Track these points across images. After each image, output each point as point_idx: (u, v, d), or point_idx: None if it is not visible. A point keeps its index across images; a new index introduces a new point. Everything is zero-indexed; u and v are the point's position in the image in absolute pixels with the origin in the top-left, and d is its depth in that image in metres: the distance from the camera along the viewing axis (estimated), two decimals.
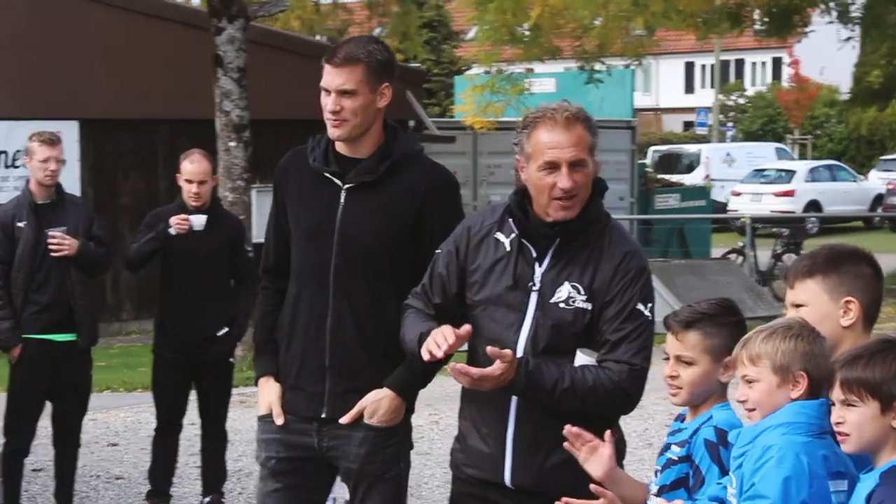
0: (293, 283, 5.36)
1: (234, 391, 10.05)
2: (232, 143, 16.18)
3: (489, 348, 4.43)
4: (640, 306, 4.55)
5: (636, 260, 4.65)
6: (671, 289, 18.08)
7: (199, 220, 8.91)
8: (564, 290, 4.59)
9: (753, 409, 3.90)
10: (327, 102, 5.11)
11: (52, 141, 8.75)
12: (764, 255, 23.46)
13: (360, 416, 5.19)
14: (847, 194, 38.03)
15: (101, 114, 19.52)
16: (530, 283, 4.62)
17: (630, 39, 22.38)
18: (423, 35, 31.14)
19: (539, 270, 4.63)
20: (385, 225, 5.15)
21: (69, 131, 19.36)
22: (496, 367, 4.41)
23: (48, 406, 8.99)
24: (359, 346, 5.19)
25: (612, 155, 24.38)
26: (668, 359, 4.27)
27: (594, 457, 4.28)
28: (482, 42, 20.83)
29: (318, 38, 28.41)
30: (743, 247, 23.14)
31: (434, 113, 35.49)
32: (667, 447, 4.30)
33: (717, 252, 25.40)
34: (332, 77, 5.11)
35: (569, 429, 4.28)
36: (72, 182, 18.96)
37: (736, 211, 32.59)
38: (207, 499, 9.35)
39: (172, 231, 8.87)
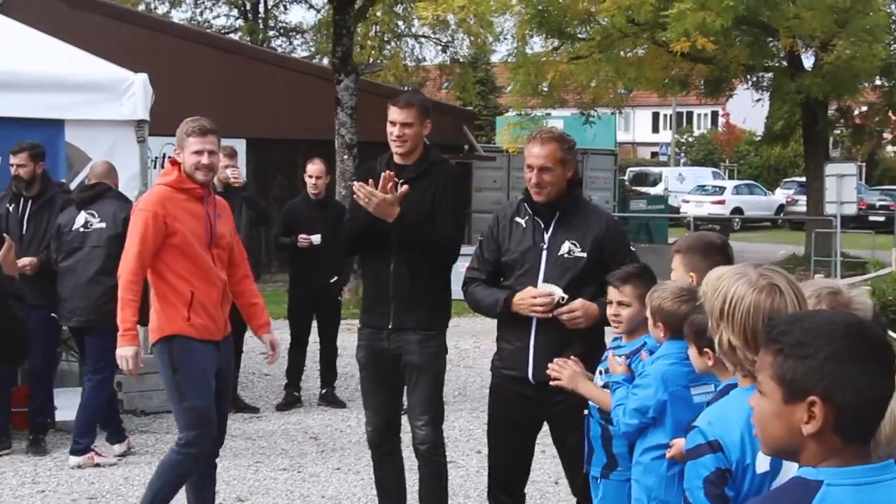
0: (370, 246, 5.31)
1: (343, 322, 10.08)
2: (345, 157, 16.24)
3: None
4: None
5: (614, 221, 4.91)
6: None
7: (316, 239, 8.99)
8: (565, 246, 4.64)
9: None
10: (393, 131, 5.16)
11: (230, 154, 8.58)
12: None
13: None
14: (760, 203, 37.52)
15: (262, 134, 19.60)
16: (541, 244, 4.68)
17: (614, 96, 22.47)
18: (476, 88, 31.14)
19: (546, 236, 4.69)
20: (422, 206, 5.13)
21: (240, 146, 19.43)
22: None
23: None
24: (410, 283, 5.15)
25: (600, 173, 24.25)
26: (611, 303, 4.31)
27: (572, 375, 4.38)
28: (514, 94, 20.89)
29: (404, 87, 28.39)
30: None
31: (482, 141, 35.33)
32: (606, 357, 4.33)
33: (671, 239, 25.14)
34: (397, 114, 5.16)
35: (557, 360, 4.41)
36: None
37: (685, 213, 32.15)
38: (324, 390, 9.46)
39: (300, 244, 8.90)
